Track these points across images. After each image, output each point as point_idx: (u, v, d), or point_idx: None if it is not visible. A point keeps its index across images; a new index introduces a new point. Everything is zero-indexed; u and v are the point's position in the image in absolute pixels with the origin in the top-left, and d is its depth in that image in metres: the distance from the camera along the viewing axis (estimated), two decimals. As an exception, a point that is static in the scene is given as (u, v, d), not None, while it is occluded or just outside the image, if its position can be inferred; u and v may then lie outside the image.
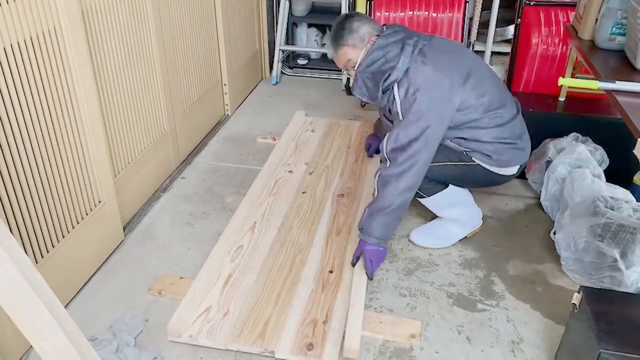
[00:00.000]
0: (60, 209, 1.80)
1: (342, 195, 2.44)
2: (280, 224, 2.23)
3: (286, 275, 1.96)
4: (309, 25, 4.02)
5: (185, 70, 2.71)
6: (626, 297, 1.64)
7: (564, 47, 2.73)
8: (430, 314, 1.86)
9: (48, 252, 1.76)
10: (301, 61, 4.06)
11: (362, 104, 3.41)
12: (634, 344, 1.36)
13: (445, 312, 1.87)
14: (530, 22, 2.81)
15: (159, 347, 1.71)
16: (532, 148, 2.13)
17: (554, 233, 2.14)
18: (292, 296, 1.86)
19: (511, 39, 3.10)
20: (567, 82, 1.99)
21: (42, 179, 1.70)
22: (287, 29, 3.86)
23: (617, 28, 2.00)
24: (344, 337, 1.72)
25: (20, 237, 1.63)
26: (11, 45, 1.52)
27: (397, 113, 1.90)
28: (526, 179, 2.54)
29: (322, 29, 4.06)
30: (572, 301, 1.54)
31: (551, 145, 2.41)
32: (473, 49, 3.28)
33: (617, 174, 2.27)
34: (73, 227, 1.88)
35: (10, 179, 1.57)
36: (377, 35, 1.95)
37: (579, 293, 1.53)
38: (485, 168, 2.01)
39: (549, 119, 2.59)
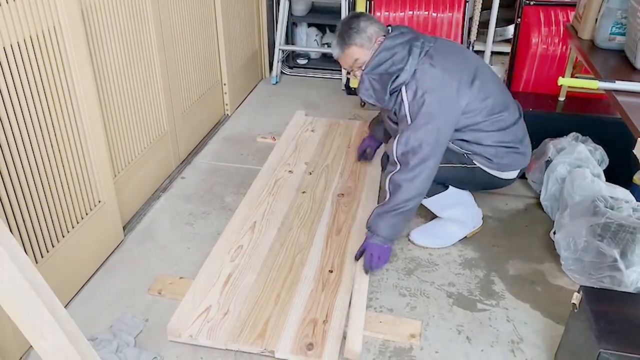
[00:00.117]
0: (60, 209, 1.80)
1: (342, 194, 2.44)
2: (280, 223, 2.23)
3: (286, 274, 1.96)
4: (309, 25, 4.01)
5: (185, 70, 2.71)
6: (626, 296, 1.64)
7: (564, 47, 2.73)
8: (430, 314, 1.86)
9: (48, 252, 1.76)
10: (301, 61, 4.06)
11: (362, 103, 3.41)
12: (633, 343, 1.36)
13: (445, 312, 1.87)
14: (530, 21, 2.81)
15: (158, 347, 1.71)
16: (532, 148, 2.14)
17: (554, 233, 2.14)
18: (292, 296, 1.86)
19: (511, 38, 3.10)
20: (567, 81, 1.99)
21: (42, 178, 1.70)
22: (287, 28, 3.86)
23: (617, 28, 2.01)
24: (344, 337, 1.72)
25: (20, 236, 1.63)
26: (11, 45, 1.52)
27: (405, 116, 1.88)
28: (526, 178, 2.54)
29: (322, 28, 4.06)
30: (572, 301, 1.54)
31: (551, 145, 2.41)
32: (473, 48, 3.28)
33: (616, 173, 2.27)
34: (73, 227, 1.88)
35: (10, 178, 1.57)
36: (384, 36, 1.93)
37: (578, 293, 1.53)
38: (485, 171, 2.01)
39: (548, 118, 2.60)
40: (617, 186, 2.12)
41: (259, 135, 3.05)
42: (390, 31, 1.95)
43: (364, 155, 2.64)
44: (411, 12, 3.07)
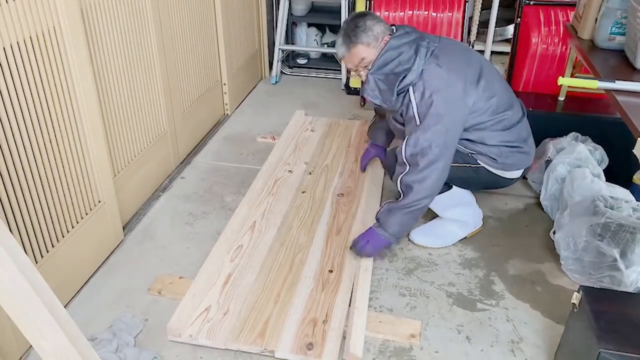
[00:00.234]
0: (60, 209, 1.80)
1: (342, 194, 2.44)
2: (280, 223, 2.23)
3: (286, 274, 1.96)
4: (309, 25, 4.01)
5: (185, 69, 2.71)
6: (626, 296, 1.64)
7: (564, 47, 2.73)
8: (430, 314, 1.86)
9: (48, 251, 1.76)
10: (301, 61, 4.06)
11: (362, 103, 3.41)
12: (633, 343, 1.36)
13: (445, 312, 1.87)
14: (530, 21, 2.81)
15: (158, 346, 1.71)
16: (533, 147, 2.14)
17: (554, 232, 2.14)
18: (292, 295, 1.86)
19: (511, 38, 3.10)
20: (566, 81, 1.98)
21: (42, 178, 1.70)
22: (287, 28, 3.86)
23: (616, 28, 2.01)
24: (344, 337, 1.72)
25: (20, 236, 1.63)
26: (11, 46, 1.52)
27: (414, 116, 1.87)
28: (526, 178, 2.54)
29: (321, 28, 4.06)
30: (572, 301, 1.54)
31: (551, 145, 2.41)
32: (473, 48, 3.28)
33: (616, 173, 2.28)
34: (73, 227, 1.88)
35: (10, 178, 1.57)
36: (390, 35, 1.92)
37: (578, 292, 1.53)
38: (490, 171, 2.01)
39: (548, 118, 2.60)
40: (617, 186, 2.12)
41: (259, 135, 3.05)
42: (394, 30, 1.94)
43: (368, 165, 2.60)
44: (411, 12, 3.07)
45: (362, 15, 1.95)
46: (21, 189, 1.61)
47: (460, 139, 1.95)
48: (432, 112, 1.83)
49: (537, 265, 2.09)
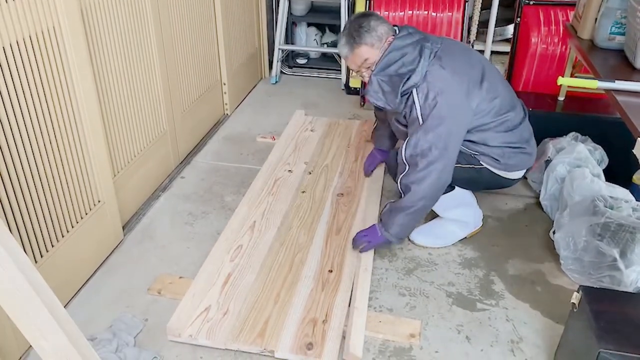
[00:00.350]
0: (59, 209, 1.80)
1: (342, 194, 2.44)
2: (279, 223, 2.23)
3: (286, 274, 1.96)
4: (309, 25, 4.01)
5: (184, 69, 2.71)
6: (626, 296, 1.65)
7: (564, 47, 2.73)
8: (430, 314, 1.86)
9: (47, 251, 1.76)
10: (300, 60, 4.06)
11: (362, 103, 3.41)
12: (633, 343, 1.36)
13: (445, 312, 1.87)
14: (529, 21, 2.81)
15: (158, 346, 1.71)
16: (532, 147, 2.14)
17: (554, 232, 2.14)
18: (291, 295, 1.86)
19: (511, 38, 3.10)
20: (566, 81, 1.99)
21: (42, 178, 1.70)
22: (287, 28, 3.86)
23: (616, 27, 2.01)
24: (343, 337, 1.72)
25: (20, 236, 1.63)
26: (10, 45, 1.52)
27: (417, 118, 1.86)
28: (526, 178, 2.54)
29: (321, 28, 4.05)
30: (572, 300, 1.54)
31: (550, 145, 2.41)
32: (472, 48, 3.28)
33: (616, 173, 2.28)
34: (72, 227, 1.88)
35: (10, 178, 1.57)
36: (393, 36, 1.91)
37: (578, 292, 1.53)
38: (492, 172, 2.01)
39: (548, 118, 2.60)
40: (616, 186, 2.12)
41: (259, 135, 3.05)
42: (397, 31, 1.93)
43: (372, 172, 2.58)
44: (411, 12, 3.06)
45: (366, 15, 1.94)
46: (21, 188, 1.61)
47: (463, 140, 1.95)
48: (435, 114, 1.82)
49: (537, 265, 2.09)
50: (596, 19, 2.07)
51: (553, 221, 2.22)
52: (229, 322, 1.75)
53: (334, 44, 4.01)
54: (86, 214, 1.95)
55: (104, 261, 2.07)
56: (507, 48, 3.38)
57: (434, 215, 2.21)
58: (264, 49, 3.82)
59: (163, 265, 2.06)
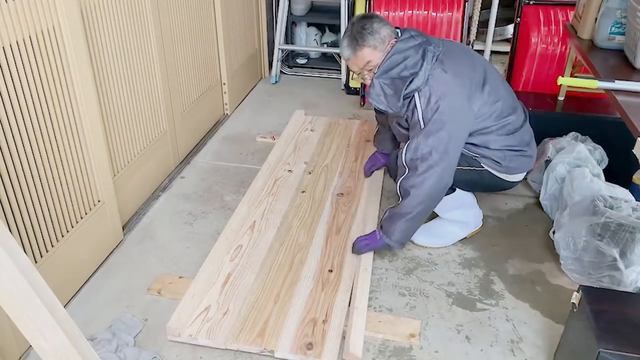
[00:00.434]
0: (59, 209, 1.80)
1: (342, 194, 2.44)
2: (279, 223, 2.23)
3: (286, 274, 1.96)
4: (308, 25, 4.01)
5: (184, 69, 2.71)
6: (625, 296, 1.64)
7: (564, 47, 2.73)
8: (430, 314, 1.86)
9: (47, 251, 1.76)
10: (300, 60, 4.06)
11: (362, 103, 3.41)
12: (633, 343, 1.36)
13: (445, 312, 1.87)
14: (529, 21, 2.81)
15: (158, 346, 1.71)
16: (532, 147, 2.14)
17: (553, 232, 2.14)
18: (291, 295, 1.86)
19: (510, 38, 3.10)
20: (566, 81, 1.99)
21: (41, 178, 1.70)
22: (287, 28, 3.86)
23: (616, 27, 2.01)
24: (343, 336, 1.72)
25: (20, 236, 1.63)
26: (10, 45, 1.52)
27: (418, 122, 1.86)
28: (526, 178, 2.54)
29: (321, 28, 4.05)
30: (572, 300, 1.54)
31: (550, 145, 2.41)
32: (472, 48, 3.28)
33: (616, 173, 2.28)
34: (72, 227, 1.88)
35: (10, 178, 1.57)
36: (395, 39, 1.89)
37: (578, 292, 1.53)
38: (493, 174, 2.01)
39: (548, 118, 2.60)
40: (616, 186, 2.12)
41: (259, 135, 3.05)
42: (399, 34, 1.92)
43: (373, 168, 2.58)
44: (411, 12, 3.06)
45: (369, 17, 1.92)
46: (20, 188, 1.61)
47: (465, 143, 1.94)
48: (437, 118, 1.82)
49: (536, 265, 2.09)
50: (596, 18, 2.07)
51: (553, 221, 2.22)
52: (229, 322, 1.75)
53: (333, 44, 4.01)
54: (86, 214, 1.95)
55: (103, 261, 2.07)
56: (507, 48, 3.39)
57: (434, 216, 2.20)
58: (264, 49, 3.82)
59: (163, 265, 2.06)
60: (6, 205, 1.56)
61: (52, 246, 1.78)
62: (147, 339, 1.74)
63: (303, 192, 2.45)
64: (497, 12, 3.35)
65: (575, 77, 2.47)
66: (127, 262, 2.08)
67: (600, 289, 1.68)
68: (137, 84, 2.27)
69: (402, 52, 1.86)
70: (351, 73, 3.19)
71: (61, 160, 1.79)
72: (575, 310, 1.53)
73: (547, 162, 2.36)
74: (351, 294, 1.87)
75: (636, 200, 2.03)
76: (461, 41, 3.11)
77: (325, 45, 4.04)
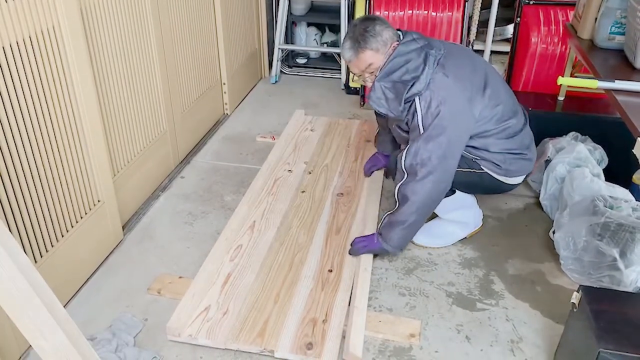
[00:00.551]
0: (59, 208, 1.80)
1: (342, 194, 2.44)
2: (279, 223, 2.23)
3: (285, 274, 1.96)
4: (308, 25, 4.01)
5: (184, 69, 2.71)
6: (625, 296, 1.64)
7: (564, 47, 2.73)
8: (430, 313, 1.86)
9: (47, 251, 1.76)
10: (300, 60, 4.06)
11: (361, 103, 3.41)
12: (633, 343, 1.36)
13: (445, 312, 1.87)
14: (529, 21, 2.81)
15: (158, 346, 1.71)
16: (532, 148, 2.14)
17: (553, 232, 2.14)
18: (291, 295, 1.86)
19: (510, 38, 3.10)
20: (566, 81, 1.99)
21: (41, 178, 1.70)
22: (287, 28, 3.86)
23: (616, 27, 2.01)
24: (343, 336, 1.72)
25: (20, 236, 1.63)
26: (10, 45, 1.52)
27: (418, 126, 1.85)
28: (526, 179, 2.54)
29: (321, 28, 4.05)
30: (572, 300, 1.54)
31: (550, 145, 2.41)
32: (472, 48, 3.28)
33: (616, 173, 2.28)
34: (72, 227, 1.88)
35: (9, 178, 1.57)
36: (397, 42, 1.89)
37: (578, 292, 1.53)
38: (493, 177, 2.01)
39: (548, 118, 2.60)
40: (616, 186, 2.12)
41: (259, 135, 3.05)
42: (401, 36, 1.91)
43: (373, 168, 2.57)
44: (411, 12, 3.06)
45: (372, 19, 1.91)
46: (20, 188, 1.61)
47: (465, 145, 1.95)
48: (437, 123, 1.81)
49: (536, 265, 2.09)
50: (596, 18, 2.07)
51: (553, 221, 2.22)
52: (229, 321, 1.75)
53: (333, 44, 4.01)
54: (86, 213, 1.95)
55: (103, 261, 2.07)
56: (507, 48, 3.38)
57: (434, 216, 2.20)
58: (264, 49, 3.82)
59: (163, 265, 2.06)
60: (6, 205, 1.56)
61: (52, 246, 1.78)
62: (147, 339, 1.74)
63: (303, 192, 2.45)
64: (497, 12, 3.35)
65: (575, 77, 2.47)
66: (127, 262, 2.08)
67: (600, 289, 1.68)
68: (137, 84, 2.27)
69: (403, 55, 1.85)
70: (352, 75, 3.19)
71: (61, 160, 1.79)
72: (575, 310, 1.53)
73: (547, 162, 2.36)
74: (351, 293, 1.87)
75: (636, 200, 2.03)
76: (461, 41, 3.11)
77: (325, 45, 4.04)
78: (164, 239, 2.21)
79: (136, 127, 2.30)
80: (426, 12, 3.06)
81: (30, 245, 1.68)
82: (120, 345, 1.66)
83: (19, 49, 1.55)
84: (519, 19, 2.85)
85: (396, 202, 1.95)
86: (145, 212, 2.37)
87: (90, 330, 1.73)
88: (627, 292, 1.79)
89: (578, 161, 2.25)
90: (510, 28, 3.74)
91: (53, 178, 1.76)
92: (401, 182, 1.91)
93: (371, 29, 1.87)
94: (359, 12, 3.37)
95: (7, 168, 1.55)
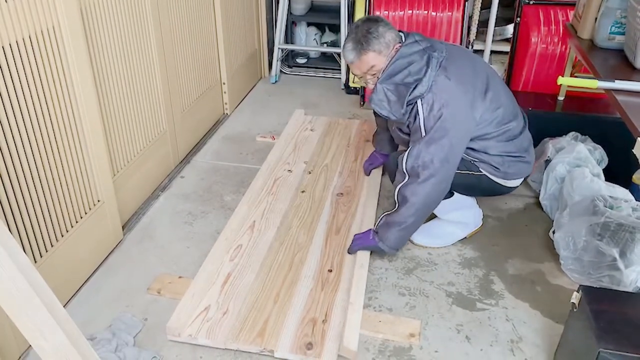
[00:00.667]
0: (59, 208, 1.80)
1: (342, 194, 2.44)
2: (279, 223, 2.23)
3: (285, 274, 1.96)
4: (308, 24, 4.01)
5: (184, 69, 2.71)
6: (625, 296, 1.64)
7: (563, 46, 2.73)
8: (430, 313, 1.86)
9: (47, 251, 1.76)
10: (300, 60, 4.05)
11: (361, 102, 3.41)
12: (633, 343, 1.36)
13: (445, 312, 1.87)
14: (529, 21, 2.81)
15: (158, 346, 1.71)
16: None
17: (553, 232, 2.14)
18: (291, 295, 1.86)
19: (510, 37, 3.10)
20: (566, 81, 1.99)
21: (41, 178, 1.70)
22: (286, 27, 3.86)
23: (616, 27, 2.01)
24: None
25: (19, 236, 1.63)
26: (10, 45, 1.52)
27: (419, 128, 1.85)
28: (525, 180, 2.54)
29: (321, 28, 4.05)
30: (572, 300, 1.54)
31: (550, 145, 2.41)
32: (472, 48, 3.28)
33: (616, 173, 2.28)
34: (72, 227, 1.88)
35: (9, 178, 1.57)
36: (400, 44, 1.88)
37: (578, 292, 1.53)
38: (491, 179, 2.01)
39: (548, 118, 2.60)
40: (616, 185, 2.12)
41: (259, 135, 3.05)
42: (403, 38, 1.91)
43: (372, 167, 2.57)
44: (411, 12, 3.06)
45: (374, 20, 1.89)
46: (20, 188, 1.61)
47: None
48: (439, 126, 1.81)
49: (536, 265, 2.09)
50: (596, 18, 2.07)
51: (553, 221, 2.22)
52: (229, 321, 1.75)
53: (333, 44, 4.01)
54: (86, 213, 1.95)
55: (103, 261, 2.07)
56: (507, 48, 3.38)
57: (433, 216, 2.20)
58: (264, 49, 3.82)
59: (162, 265, 2.06)
60: (6, 205, 1.56)
61: (52, 246, 1.78)
62: (147, 339, 1.74)
63: (303, 191, 2.45)
64: (497, 11, 3.34)
65: (575, 77, 2.47)
66: (126, 261, 2.08)
67: (600, 289, 1.68)
68: (137, 84, 2.27)
69: (406, 57, 1.84)
70: (352, 76, 3.19)
71: (61, 160, 1.79)
72: (575, 310, 1.53)
73: (547, 162, 2.36)
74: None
75: (636, 200, 2.03)
76: (461, 41, 3.12)
77: (325, 45, 4.04)
78: (163, 239, 2.21)
79: (136, 127, 2.30)
80: (426, 12, 3.06)
81: (30, 245, 1.68)
82: (120, 345, 1.66)
83: (18, 48, 1.55)
84: (519, 18, 2.85)
85: (395, 203, 1.95)
86: (145, 212, 2.37)
87: (90, 330, 1.73)
88: (627, 292, 1.79)
89: (578, 161, 2.25)
90: (510, 28, 3.73)
91: (53, 178, 1.76)
92: (402, 183, 1.91)
93: (374, 30, 1.86)
94: (359, 12, 3.37)
95: (7, 168, 1.55)
